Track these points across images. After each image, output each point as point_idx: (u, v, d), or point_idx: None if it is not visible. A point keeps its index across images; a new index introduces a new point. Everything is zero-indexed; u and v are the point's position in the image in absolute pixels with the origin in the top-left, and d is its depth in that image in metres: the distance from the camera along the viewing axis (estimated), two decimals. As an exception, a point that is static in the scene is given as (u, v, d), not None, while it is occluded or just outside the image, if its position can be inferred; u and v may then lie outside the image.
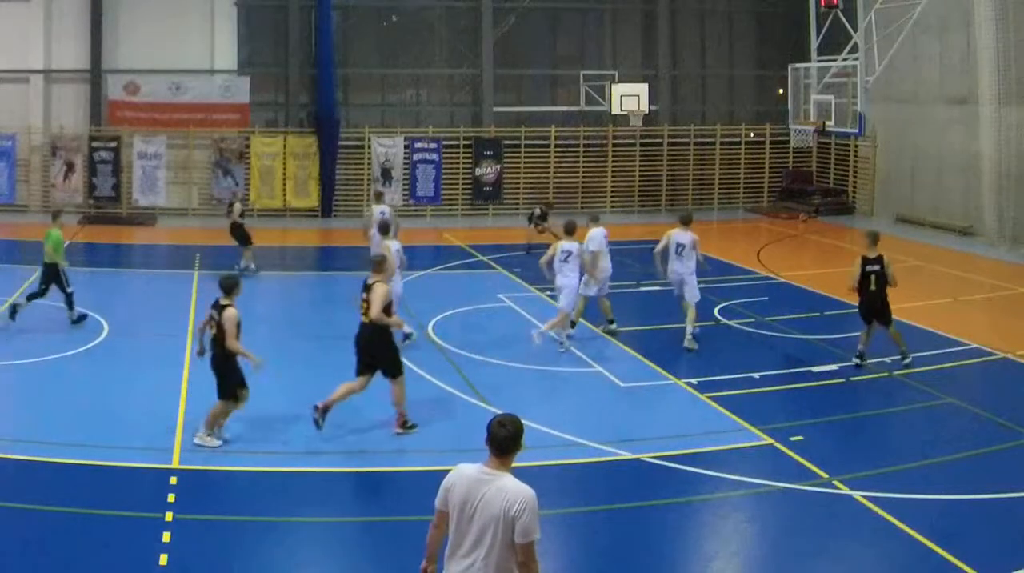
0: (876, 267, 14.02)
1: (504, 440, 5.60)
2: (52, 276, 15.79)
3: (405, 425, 11.51)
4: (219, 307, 10.73)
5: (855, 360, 14.23)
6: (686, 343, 15.05)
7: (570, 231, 15.02)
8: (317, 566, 8.71)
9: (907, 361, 14.12)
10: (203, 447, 10.75)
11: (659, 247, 15.65)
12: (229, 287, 10.89)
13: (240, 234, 20.48)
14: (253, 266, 20.22)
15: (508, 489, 5.51)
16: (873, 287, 14.00)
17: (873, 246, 14.12)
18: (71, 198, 27.73)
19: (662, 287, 18.07)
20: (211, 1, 28.24)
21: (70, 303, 15.89)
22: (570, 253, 14.83)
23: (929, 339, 15.72)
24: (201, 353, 10.97)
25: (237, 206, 20.95)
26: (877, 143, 29.29)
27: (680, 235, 15.49)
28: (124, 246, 24.80)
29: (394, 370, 11.40)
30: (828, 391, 13.45)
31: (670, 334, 15.82)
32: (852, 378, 13.77)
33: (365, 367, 11.39)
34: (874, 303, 14.09)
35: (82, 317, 16.01)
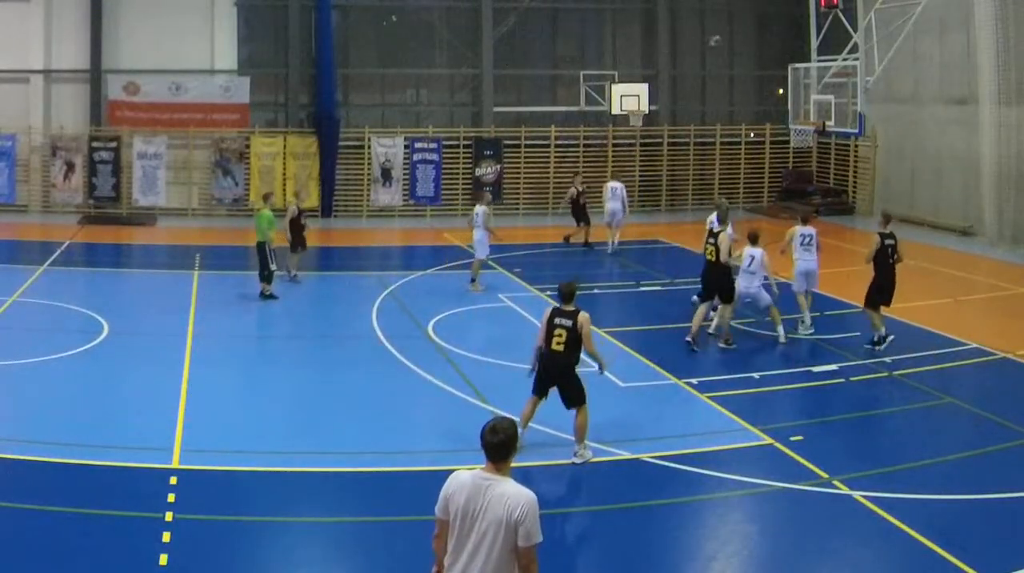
0: (891, 241, 15.19)
1: (496, 446, 5.58)
2: (262, 253, 17.78)
3: (728, 342, 15.17)
4: (568, 314, 10.50)
5: (876, 347, 14.84)
6: (803, 331, 16.06)
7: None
8: (316, 566, 8.71)
9: (880, 347, 14.88)
10: (587, 462, 10.56)
11: (786, 243, 16.48)
12: (572, 293, 10.67)
13: (297, 235, 19.68)
14: (294, 272, 19.68)
15: (509, 493, 5.50)
16: (890, 260, 15.15)
17: (886, 224, 15.52)
18: (71, 198, 27.73)
19: (662, 287, 18.13)
20: (211, 1, 28.21)
21: (268, 279, 17.84)
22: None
23: (929, 339, 15.72)
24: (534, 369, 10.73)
25: (292, 207, 20.14)
26: (877, 143, 29.28)
27: (804, 229, 16.32)
28: (124, 246, 24.78)
29: (729, 298, 15.23)
30: (828, 391, 13.45)
31: (670, 334, 15.82)
32: (852, 378, 13.78)
33: (709, 295, 15.42)
34: (890, 276, 15.11)
35: (271, 296, 17.81)
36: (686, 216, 29.37)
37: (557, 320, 10.49)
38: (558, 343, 10.46)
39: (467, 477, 5.64)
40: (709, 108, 32.49)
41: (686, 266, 20.43)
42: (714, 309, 15.86)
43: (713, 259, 15.27)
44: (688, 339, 14.94)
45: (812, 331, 16.04)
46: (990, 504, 9.71)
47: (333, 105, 28.37)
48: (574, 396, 10.63)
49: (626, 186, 29.37)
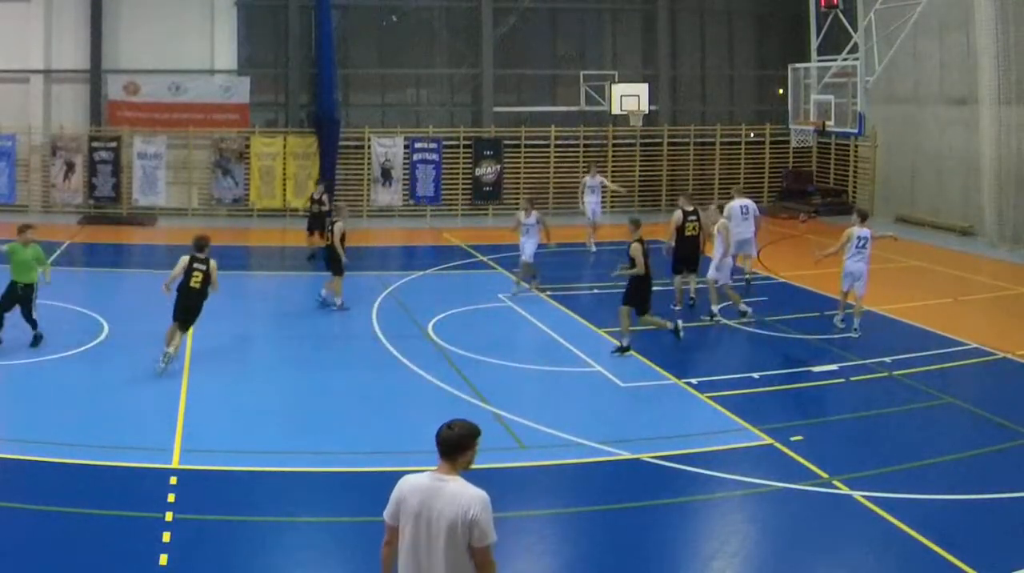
0: (694, 218, 17.29)
1: (451, 443, 5.58)
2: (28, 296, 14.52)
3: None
4: (203, 260, 13.81)
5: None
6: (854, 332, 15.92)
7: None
8: (316, 566, 8.71)
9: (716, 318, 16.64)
10: (168, 360, 13.37)
11: (840, 245, 16.21)
12: (205, 245, 13.88)
13: (333, 258, 17.21)
14: (337, 301, 17.31)
15: (461, 493, 5.48)
16: (688, 234, 17.25)
17: (689, 202, 17.64)
18: (71, 198, 27.73)
19: (662, 287, 18.09)
20: (211, 1, 28.22)
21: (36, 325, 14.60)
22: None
23: (929, 339, 15.72)
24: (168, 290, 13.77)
25: (339, 225, 17.25)
26: (877, 143, 29.28)
27: (861, 230, 16.00)
28: (124, 246, 24.78)
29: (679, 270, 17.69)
30: (828, 391, 13.45)
31: (670, 334, 15.81)
32: (852, 378, 13.78)
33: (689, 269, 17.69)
34: (693, 250, 17.30)
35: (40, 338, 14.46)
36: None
37: (196, 265, 13.75)
38: (196, 281, 13.75)
39: (421, 479, 5.61)
40: (709, 108, 32.49)
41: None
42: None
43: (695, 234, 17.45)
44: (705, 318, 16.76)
45: (843, 328, 16.10)
46: (990, 504, 9.71)
47: (333, 105, 28.35)
48: (192, 320, 13.96)
49: (627, 188, 29.38)
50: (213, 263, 13.88)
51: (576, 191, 26.93)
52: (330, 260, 17.30)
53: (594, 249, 23.33)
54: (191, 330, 14.09)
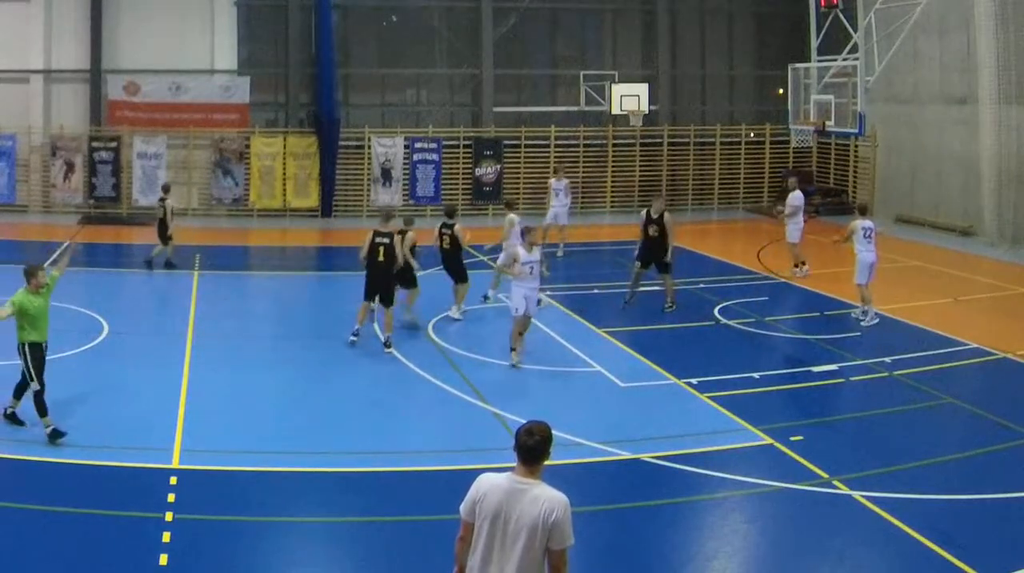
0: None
1: (532, 449, 5.58)
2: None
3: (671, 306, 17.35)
4: (449, 226, 16.26)
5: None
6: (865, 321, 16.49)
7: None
8: (316, 566, 8.71)
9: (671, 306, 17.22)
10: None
11: (846, 235, 16.86)
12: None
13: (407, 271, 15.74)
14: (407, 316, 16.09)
15: (544, 497, 5.52)
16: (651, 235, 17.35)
17: (654, 217, 17.51)
18: (71, 198, 27.73)
19: (661, 287, 18.13)
20: (211, 1, 28.21)
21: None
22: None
23: (929, 339, 15.72)
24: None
25: (410, 235, 15.79)
26: (877, 143, 29.28)
27: (865, 222, 16.68)
28: (124, 246, 24.78)
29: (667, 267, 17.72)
30: (828, 391, 13.46)
31: (670, 334, 15.83)
32: (852, 378, 13.78)
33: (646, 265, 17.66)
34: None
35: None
36: (686, 216, 29.35)
37: (443, 229, 15.04)
38: (445, 243, 15.75)
39: (499, 480, 5.62)
40: (709, 108, 32.48)
41: (686, 265, 20.44)
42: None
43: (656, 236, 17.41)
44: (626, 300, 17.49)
45: (877, 321, 16.43)
46: (990, 504, 9.71)
47: (333, 105, 28.36)
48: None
49: (627, 188, 29.44)
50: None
51: (575, 191, 26.98)
52: (403, 275, 15.45)
53: (560, 253, 22.64)
54: (190, 332, 14.08)
